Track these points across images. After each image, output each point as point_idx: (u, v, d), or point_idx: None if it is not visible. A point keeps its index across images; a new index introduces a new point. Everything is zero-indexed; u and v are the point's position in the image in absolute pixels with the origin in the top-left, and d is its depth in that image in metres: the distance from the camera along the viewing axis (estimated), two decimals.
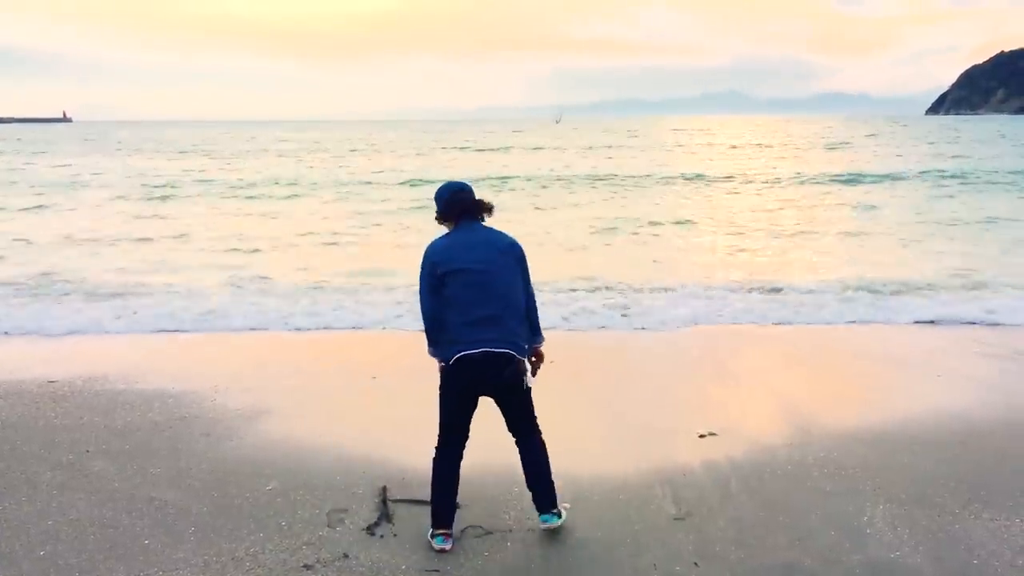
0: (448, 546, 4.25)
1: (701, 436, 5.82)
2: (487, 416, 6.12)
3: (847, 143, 61.19)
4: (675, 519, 4.62)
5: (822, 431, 5.94)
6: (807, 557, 4.21)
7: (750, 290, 10.97)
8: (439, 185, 4.45)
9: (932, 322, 9.39)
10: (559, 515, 4.45)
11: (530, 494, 4.49)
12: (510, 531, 4.49)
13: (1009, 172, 32.25)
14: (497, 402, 4.35)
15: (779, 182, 30.56)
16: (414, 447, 5.68)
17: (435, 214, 4.40)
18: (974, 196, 24.91)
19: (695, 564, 4.16)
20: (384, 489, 4.98)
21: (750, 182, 30.92)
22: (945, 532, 4.47)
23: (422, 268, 4.23)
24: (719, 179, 32.18)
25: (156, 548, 4.34)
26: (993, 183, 28.64)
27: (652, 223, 19.13)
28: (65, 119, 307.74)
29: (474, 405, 4.31)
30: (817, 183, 29.58)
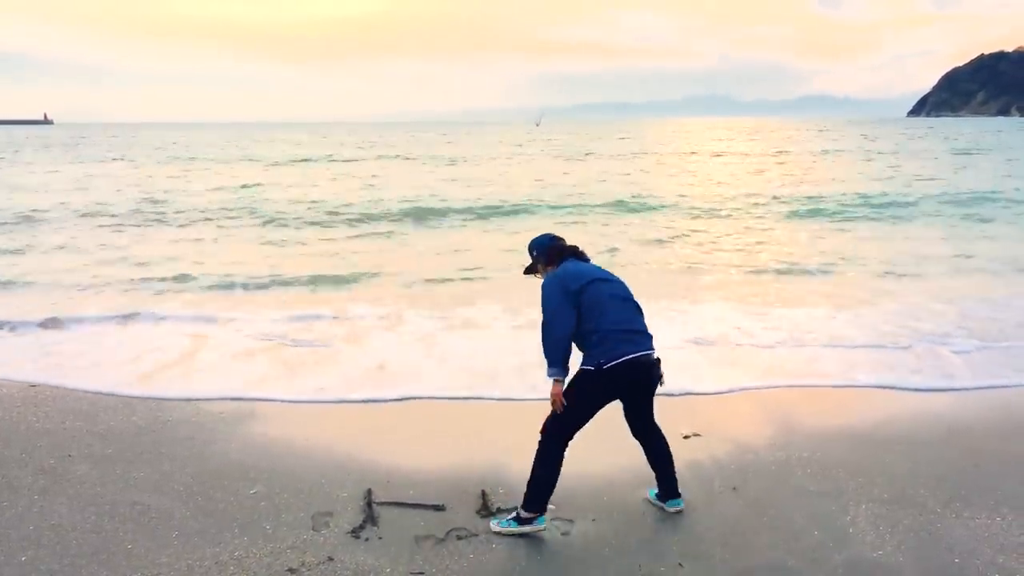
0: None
1: (685, 437, 5.84)
2: (472, 420, 6.15)
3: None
4: (659, 519, 4.64)
5: (805, 431, 5.98)
6: (791, 557, 4.24)
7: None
8: (533, 239, 4.86)
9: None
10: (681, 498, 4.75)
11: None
12: (496, 532, 4.49)
13: None
14: (631, 403, 4.66)
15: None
16: (399, 449, 5.70)
17: (534, 263, 4.81)
18: None
19: (680, 564, 4.17)
20: (369, 492, 4.97)
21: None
22: (927, 531, 4.51)
23: (551, 289, 4.41)
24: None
25: (139, 553, 4.31)
26: None
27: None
28: (46, 121, 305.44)
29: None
30: None
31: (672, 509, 4.71)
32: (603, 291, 4.44)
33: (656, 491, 4.81)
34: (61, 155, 53.44)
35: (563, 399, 4.38)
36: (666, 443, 4.79)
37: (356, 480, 5.17)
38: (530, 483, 4.50)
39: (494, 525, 4.55)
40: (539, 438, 4.53)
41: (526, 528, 4.47)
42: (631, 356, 4.31)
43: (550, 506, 4.68)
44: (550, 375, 4.39)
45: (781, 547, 4.33)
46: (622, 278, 4.67)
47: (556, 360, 4.35)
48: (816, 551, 4.30)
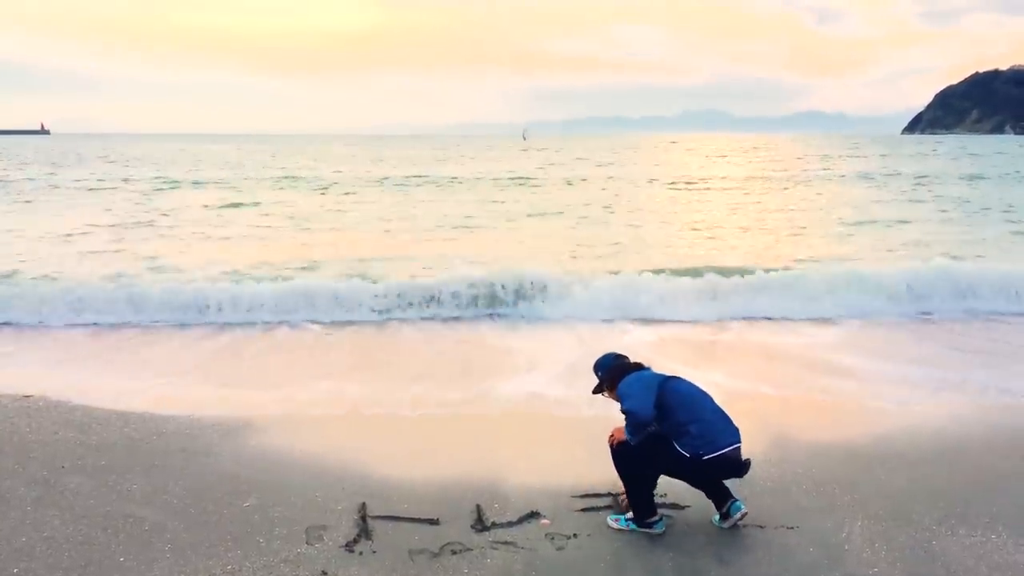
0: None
1: None
2: (467, 432, 6.12)
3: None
4: (655, 536, 4.63)
5: (800, 448, 5.97)
6: (786, 574, 4.23)
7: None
8: (597, 360, 4.97)
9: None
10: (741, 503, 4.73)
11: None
12: (490, 547, 4.48)
13: None
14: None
15: None
16: (394, 462, 5.68)
17: (601, 383, 4.92)
18: None
19: None
20: (363, 505, 4.96)
21: None
22: (922, 548, 4.50)
23: (631, 386, 4.61)
24: None
25: (132, 566, 4.28)
26: None
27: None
28: (43, 131, 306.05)
29: None
30: None
31: (738, 515, 4.66)
32: (686, 386, 4.70)
33: (718, 516, 4.75)
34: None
35: (620, 441, 4.64)
36: None
37: (351, 493, 5.15)
38: (630, 498, 4.73)
39: (611, 521, 4.76)
40: (610, 450, 4.74)
41: (644, 529, 4.66)
42: (728, 450, 4.48)
43: (544, 520, 4.68)
44: (628, 437, 4.59)
45: (776, 564, 4.32)
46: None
47: (636, 433, 4.55)
48: (811, 568, 4.28)
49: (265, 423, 6.51)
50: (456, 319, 10.44)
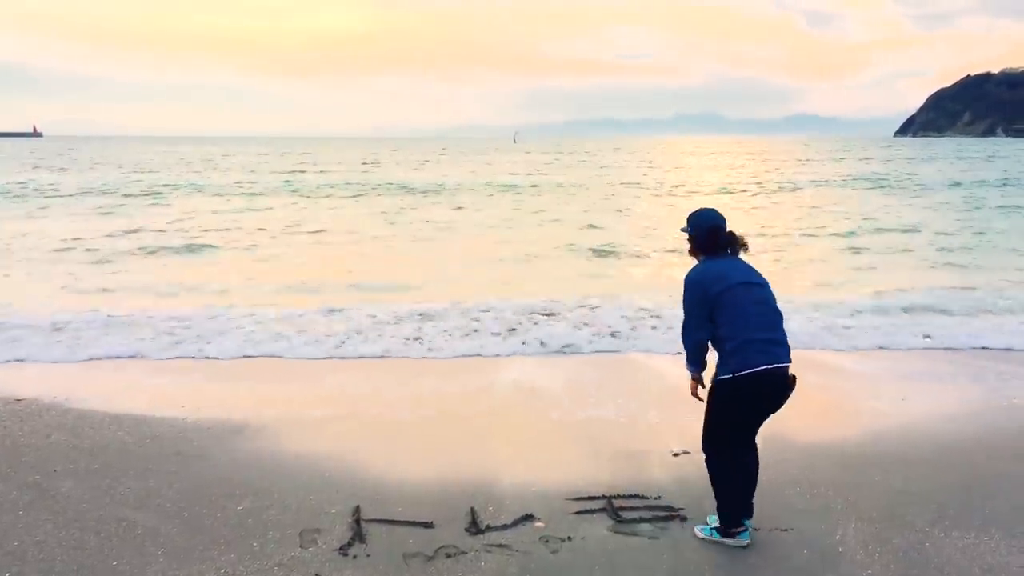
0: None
1: (675, 455, 5.84)
2: (462, 433, 6.12)
3: None
4: (650, 538, 4.63)
5: (795, 449, 5.98)
6: None
7: None
8: (695, 213, 4.59)
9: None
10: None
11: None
12: (485, 550, 4.47)
13: None
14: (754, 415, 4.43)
15: None
16: (388, 464, 5.68)
17: (690, 242, 4.57)
18: None
19: None
20: (357, 509, 4.95)
21: None
22: (916, 550, 4.51)
23: (692, 293, 4.35)
24: None
25: (125, 570, 4.26)
26: None
27: None
28: (36, 134, 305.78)
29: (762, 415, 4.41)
30: None
31: (740, 543, 4.50)
32: (744, 297, 4.27)
33: (711, 527, 4.60)
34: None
35: (699, 396, 4.57)
36: (758, 463, 4.59)
37: (345, 496, 5.14)
38: (718, 502, 4.55)
39: (698, 531, 4.62)
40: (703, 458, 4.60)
41: (727, 540, 4.50)
42: (764, 368, 4.16)
43: (538, 523, 4.67)
44: (688, 370, 4.58)
45: (770, 567, 4.32)
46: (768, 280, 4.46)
47: (692, 360, 4.54)
48: (805, 571, 4.28)
49: (259, 426, 6.49)
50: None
